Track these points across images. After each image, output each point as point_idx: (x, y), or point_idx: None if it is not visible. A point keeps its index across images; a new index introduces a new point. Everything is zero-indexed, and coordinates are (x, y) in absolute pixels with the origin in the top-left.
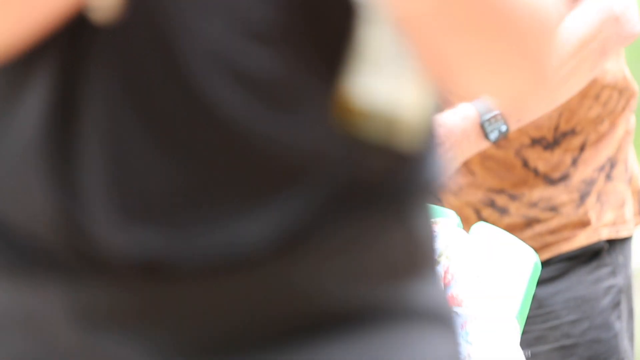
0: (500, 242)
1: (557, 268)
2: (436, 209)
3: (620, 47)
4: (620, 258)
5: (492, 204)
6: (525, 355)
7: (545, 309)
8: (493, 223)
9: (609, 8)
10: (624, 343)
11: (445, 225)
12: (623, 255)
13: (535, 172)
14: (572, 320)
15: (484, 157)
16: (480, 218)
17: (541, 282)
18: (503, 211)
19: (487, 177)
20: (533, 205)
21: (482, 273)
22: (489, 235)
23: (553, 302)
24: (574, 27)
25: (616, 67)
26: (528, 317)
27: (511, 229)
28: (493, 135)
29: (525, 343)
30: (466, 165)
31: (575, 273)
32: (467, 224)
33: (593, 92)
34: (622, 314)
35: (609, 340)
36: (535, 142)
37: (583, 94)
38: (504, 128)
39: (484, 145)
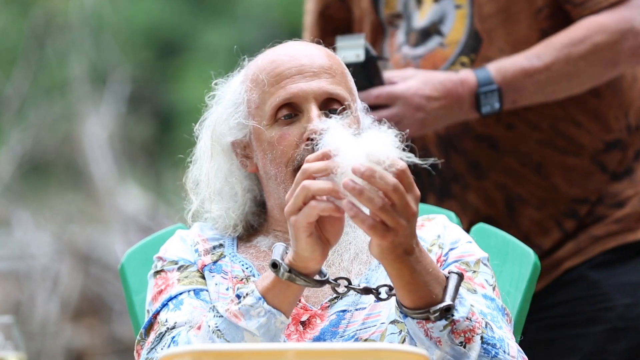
0: (500, 242)
1: (615, 254)
2: (433, 209)
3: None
4: None
5: (573, 215)
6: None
7: (598, 291)
8: (569, 231)
9: (630, 21)
10: None
11: (439, 221)
12: None
13: (608, 173)
14: (627, 303)
15: (564, 169)
16: (562, 230)
17: (596, 265)
18: (582, 219)
19: (570, 188)
20: (604, 203)
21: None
22: (489, 235)
23: (607, 285)
24: (590, 31)
25: None
26: (577, 299)
27: (583, 228)
28: (485, 109)
29: (573, 324)
30: (548, 180)
31: (633, 260)
32: (547, 236)
33: None
34: None
35: None
36: (610, 146)
37: None
38: (497, 105)
39: (473, 115)
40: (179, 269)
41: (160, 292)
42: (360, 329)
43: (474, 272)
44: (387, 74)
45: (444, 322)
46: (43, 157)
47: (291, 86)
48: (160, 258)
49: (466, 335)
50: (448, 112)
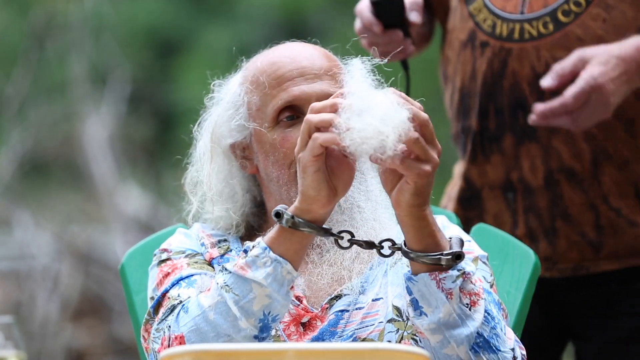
0: (500, 242)
1: None
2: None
3: None
4: None
5: None
6: None
7: None
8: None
9: None
10: None
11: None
12: None
13: None
14: None
15: None
16: (638, 196)
17: None
18: None
19: None
20: None
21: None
22: (489, 235)
23: None
24: None
25: None
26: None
27: None
28: None
29: None
30: (636, 139)
31: None
32: (625, 199)
33: None
34: None
35: None
36: None
37: None
38: None
39: None
40: (186, 256)
41: (167, 275)
42: (359, 328)
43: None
44: (559, 65)
45: (456, 272)
46: (43, 157)
47: (293, 88)
48: (165, 250)
49: (472, 298)
50: (631, 85)
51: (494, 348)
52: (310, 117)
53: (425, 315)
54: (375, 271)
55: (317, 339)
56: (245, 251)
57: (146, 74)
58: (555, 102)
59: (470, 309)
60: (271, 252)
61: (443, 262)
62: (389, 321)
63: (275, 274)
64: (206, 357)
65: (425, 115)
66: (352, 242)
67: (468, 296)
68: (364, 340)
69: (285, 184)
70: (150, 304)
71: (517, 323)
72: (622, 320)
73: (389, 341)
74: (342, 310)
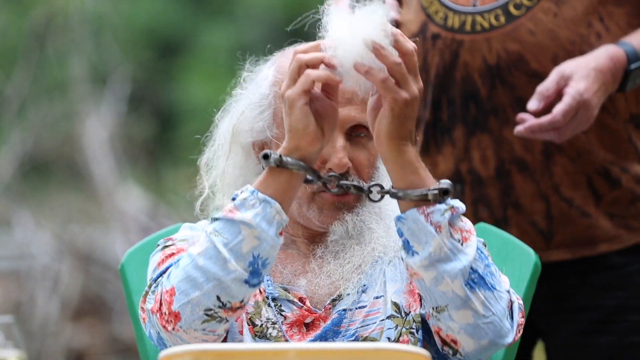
0: (500, 242)
1: None
2: None
3: None
4: None
5: (606, 174)
6: None
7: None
8: (602, 194)
9: None
10: None
11: None
12: None
13: (635, 149)
14: None
15: (601, 126)
16: (591, 187)
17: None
18: (615, 183)
19: (601, 147)
20: (638, 181)
21: None
22: (489, 235)
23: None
24: None
25: None
26: (624, 307)
27: (617, 203)
28: (629, 85)
29: (622, 333)
30: (586, 132)
31: None
32: (578, 190)
33: None
34: None
35: None
36: (632, 119)
37: None
38: (638, 81)
39: (613, 90)
40: (192, 244)
41: (171, 255)
42: (361, 327)
43: None
44: (542, 86)
45: (444, 206)
46: (43, 157)
47: None
48: (169, 239)
49: (463, 235)
50: (607, 94)
51: (490, 285)
52: (301, 55)
53: (417, 253)
54: (376, 270)
55: (320, 337)
56: (234, 199)
57: (146, 74)
58: (544, 120)
59: (462, 245)
60: (259, 194)
61: (430, 197)
62: (388, 317)
63: (264, 213)
64: (206, 357)
65: (410, 46)
66: (341, 185)
67: (459, 232)
68: (365, 338)
69: (300, 197)
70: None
71: None
72: (582, 314)
73: (388, 337)
74: (344, 310)
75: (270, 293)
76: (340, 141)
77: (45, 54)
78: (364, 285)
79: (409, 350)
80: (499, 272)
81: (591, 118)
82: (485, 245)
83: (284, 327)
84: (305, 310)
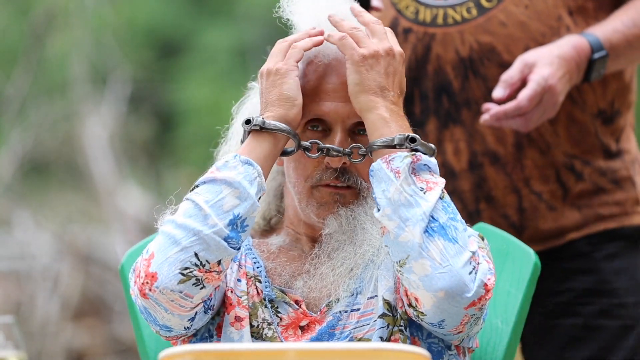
0: (500, 242)
1: (621, 245)
2: None
3: None
4: None
5: (571, 168)
6: None
7: (611, 285)
8: (569, 188)
9: None
10: None
11: None
12: None
13: (601, 143)
14: (633, 302)
15: (569, 119)
16: (559, 180)
17: (606, 257)
18: (579, 176)
19: (567, 140)
20: (602, 174)
21: None
22: (489, 235)
23: (617, 280)
24: None
25: None
26: (591, 290)
27: (583, 195)
28: (594, 75)
29: (589, 315)
30: (555, 125)
31: (638, 254)
32: (546, 183)
33: None
34: None
35: None
36: (601, 113)
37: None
38: (602, 72)
39: (578, 80)
40: None
41: None
42: (355, 328)
43: None
44: (506, 75)
45: (405, 152)
46: (43, 157)
47: (326, 104)
48: None
49: (428, 185)
50: (572, 82)
51: (451, 237)
52: (281, 40)
53: (380, 205)
54: (368, 271)
55: (315, 340)
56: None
57: (146, 74)
58: (510, 105)
59: (424, 193)
60: (240, 157)
61: (396, 142)
62: (381, 316)
63: (246, 173)
64: (206, 357)
65: (372, 17)
66: (321, 148)
67: (425, 183)
68: (360, 340)
69: (299, 193)
70: None
71: (517, 323)
72: (550, 297)
73: (380, 337)
74: (340, 312)
75: (268, 294)
76: (339, 137)
77: (45, 54)
78: (357, 288)
79: (409, 350)
80: (469, 232)
81: (557, 104)
82: (483, 239)
83: (279, 329)
84: (301, 312)
